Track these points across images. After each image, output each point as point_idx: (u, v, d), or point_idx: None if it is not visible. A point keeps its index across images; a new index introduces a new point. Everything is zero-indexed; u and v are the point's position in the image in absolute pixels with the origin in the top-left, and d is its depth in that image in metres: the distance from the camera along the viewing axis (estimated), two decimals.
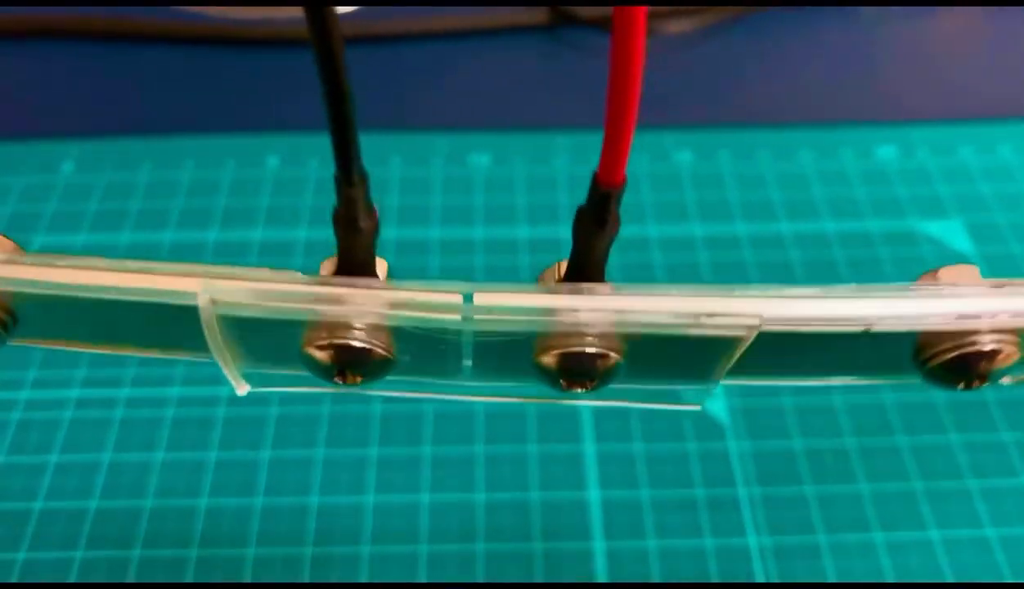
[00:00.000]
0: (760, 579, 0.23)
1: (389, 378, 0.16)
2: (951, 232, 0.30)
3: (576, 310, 0.15)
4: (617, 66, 0.12)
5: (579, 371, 0.15)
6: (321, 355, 0.15)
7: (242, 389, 0.17)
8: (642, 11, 0.12)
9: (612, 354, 0.15)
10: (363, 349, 0.15)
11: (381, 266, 0.16)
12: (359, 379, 0.16)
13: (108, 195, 0.34)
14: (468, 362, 0.16)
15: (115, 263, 0.15)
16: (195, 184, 0.34)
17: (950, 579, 0.23)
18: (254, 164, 0.35)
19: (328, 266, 0.16)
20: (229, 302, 0.14)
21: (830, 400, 0.26)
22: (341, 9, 0.37)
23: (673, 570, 0.23)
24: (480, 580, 0.23)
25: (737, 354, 0.15)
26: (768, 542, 0.24)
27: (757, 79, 0.35)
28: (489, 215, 0.33)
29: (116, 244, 0.32)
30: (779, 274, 0.29)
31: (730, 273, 0.29)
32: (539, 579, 0.23)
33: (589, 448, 0.25)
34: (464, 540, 0.24)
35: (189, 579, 0.23)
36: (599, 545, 0.24)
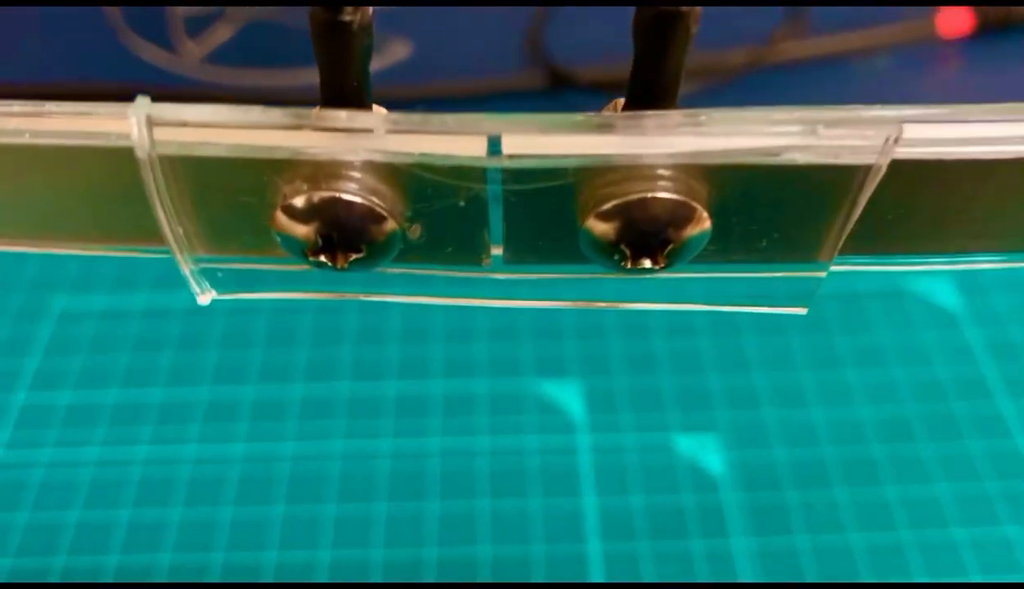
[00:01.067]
0: None
1: (394, 269, 0.12)
2: (939, 285, 0.31)
3: (640, 135, 0.11)
4: None
5: (648, 231, 0.12)
6: (300, 222, 0.11)
7: (204, 297, 0.13)
8: None
9: (693, 204, 0.11)
10: (358, 206, 0.11)
11: (379, 109, 0.12)
12: (352, 258, 0.12)
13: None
14: (497, 248, 0.13)
15: (34, 106, 0.11)
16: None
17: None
18: None
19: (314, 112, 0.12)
20: (172, 134, 0.11)
21: (821, 452, 0.26)
22: None
23: None
24: None
25: (863, 199, 0.12)
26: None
27: None
28: None
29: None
30: (772, 329, 0.30)
31: (726, 328, 0.30)
32: None
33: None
34: None
35: None
36: None
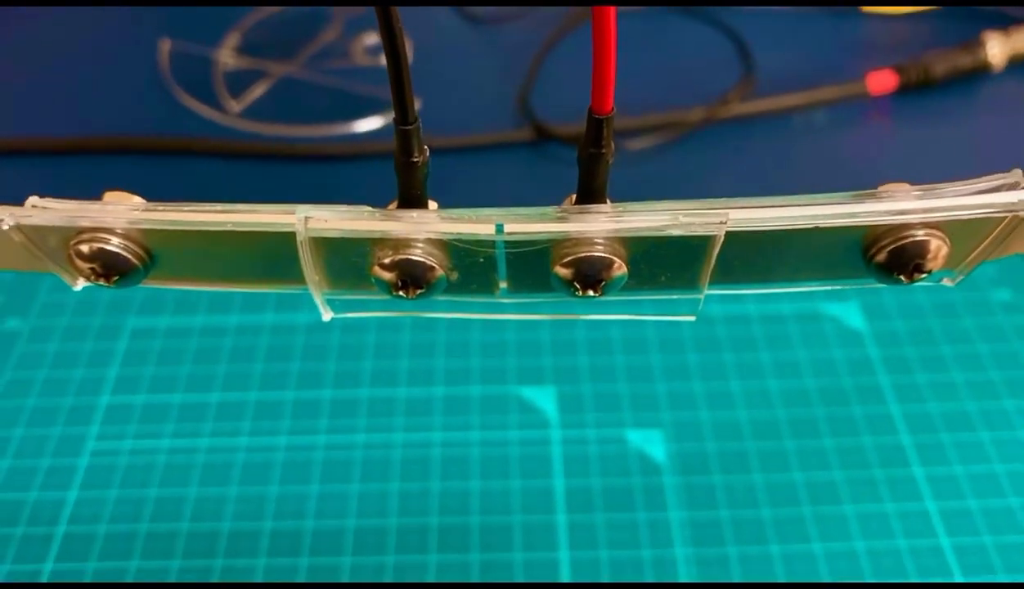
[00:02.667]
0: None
1: (440, 298, 0.19)
2: (848, 311, 0.36)
3: (583, 220, 0.18)
4: (597, 21, 0.16)
5: (589, 274, 0.18)
6: (388, 270, 0.18)
7: (327, 315, 0.20)
8: None
9: (615, 258, 0.18)
10: (421, 263, 0.18)
11: (432, 204, 0.19)
12: (418, 292, 0.19)
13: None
14: (503, 283, 0.20)
15: (228, 206, 0.19)
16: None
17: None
18: None
19: (390, 206, 0.19)
20: (318, 224, 0.18)
21: (744, 445, 0.32)
22: (368, 126, 0.45)
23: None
24: None
25: (714, 254, 0.18)
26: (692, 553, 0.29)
27: (704, 185, 0.42)
28: None
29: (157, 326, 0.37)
30: (709, 346, 0.35)
31: (672, 346, 0.36)
32: None
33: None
34: None
35: None
36: None
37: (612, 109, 0.18)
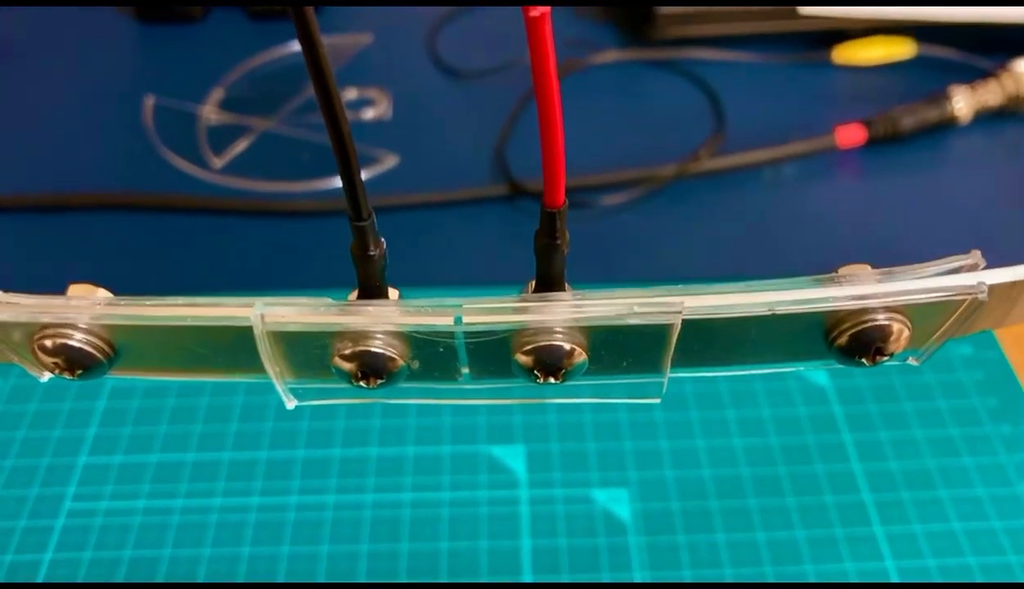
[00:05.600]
0: None
1: (404, 385, 0.20)
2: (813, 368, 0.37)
3: (541, 310, 0.18)
4: (544, 121, 0.16)
5: (549, 362, 0.19)
6: (348, 361, 0.19)
7: (290, 403, 0.21)
8: (546, 33, 0.15)
9: (575, 346, 0.18)
10: (380, 354, 0.18)
11: (393, 292, 0.20)
12: (378, 382, 0.19)
13: None
14: (465, 369, 0.20)
15: (188, 299, 0.19)
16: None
17: None
18: None
19: (350, 296, 0.19)
20: (275, 319, 0.18)
21: (707, 504, 0.33)
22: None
23: None
24: None
25: (672, 341, 0.19)
26: None
27: (676, 238, 0.42)
28: None
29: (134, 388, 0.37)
30: (675, 404, 0.35)
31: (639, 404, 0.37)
32: None
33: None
34: None
35: None
36: None
37: (564, 202, 0.18)
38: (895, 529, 0.32)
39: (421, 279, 0.40)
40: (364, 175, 0.45)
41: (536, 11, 0.14)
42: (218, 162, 0.46)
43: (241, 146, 0.47)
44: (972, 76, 0.47)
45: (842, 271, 0.19)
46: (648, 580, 0.31)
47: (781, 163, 0.45)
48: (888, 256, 0.40)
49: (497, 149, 0.46)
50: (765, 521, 0.32)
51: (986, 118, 0.47)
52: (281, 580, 0.31)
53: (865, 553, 0.31)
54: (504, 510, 0.33)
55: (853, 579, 0.31)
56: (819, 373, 0.37)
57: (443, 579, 0.31)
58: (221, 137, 0.48)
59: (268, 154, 0.47)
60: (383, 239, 0.19)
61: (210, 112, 0.49)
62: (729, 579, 0.31)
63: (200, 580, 0.31)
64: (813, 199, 0.45)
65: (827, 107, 0.49)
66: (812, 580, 0.31)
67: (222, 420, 0.36)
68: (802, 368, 0.21)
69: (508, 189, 0.44)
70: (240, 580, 0.31)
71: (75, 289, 0.20)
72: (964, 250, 0.20)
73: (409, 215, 0.42)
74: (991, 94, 0.46)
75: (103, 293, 0.20)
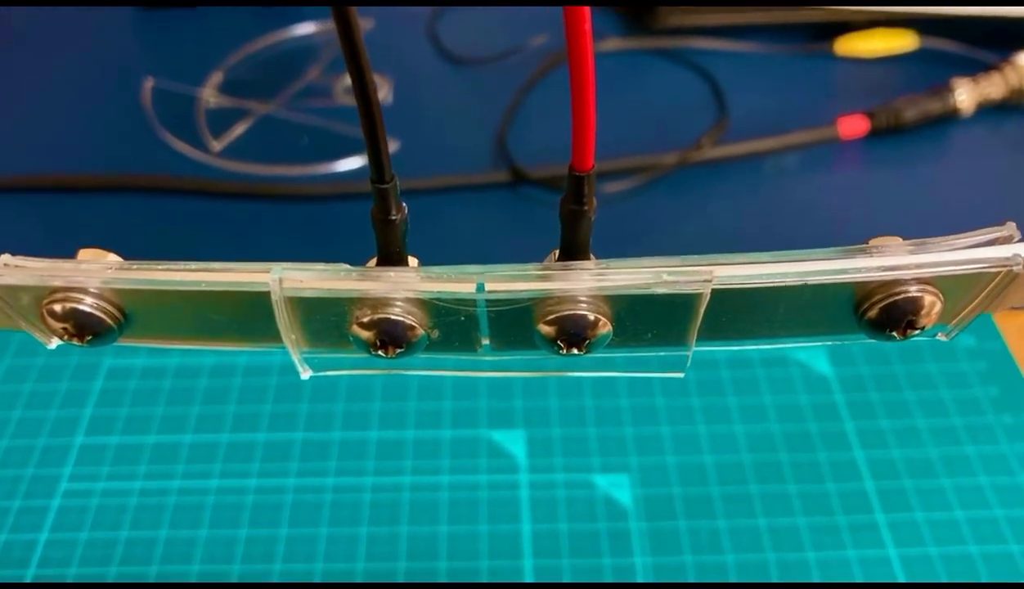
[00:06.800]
0: None
1: (423, 356, 0.19)
2: (815, 356, 0.37)
3: (565, 277, 0.18)
4: (575, 75, 0.15)
5: (573, 332, 0.18)
6: (367, 329, 0.18)
7: (305, 373, 0.20)
8: (586, 17, 0.14)
9: (599, 316, 0.18)
10: (400, 322, 0.18)
11: (412, 260, 0.19)
12: (397, 351, 0.18)
13: None
14: (485, 340, 0.19)
15: (202, 265, 0.18)
16: None
17: None
18: None
19: (369, 262, 0.19)
20: (293, 284, 0.18)
21: (709, 491, 0.32)
22: (349, 166, 0.45)
23: None
24: None
25: (700, 311, 0.18)
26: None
27: (676, 226, 0.42)
28: None
29: (133, 366, 0.37)
30: (677, 391, 0.35)
31: (641, 389, 0.36)
32: None
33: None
34: None
35: None
36: None
37: (593, 166, 0.17)
38: (897, 517, 0.32)
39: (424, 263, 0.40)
40: (361, 161, 0.45)
41: None
42: (217, 145, 0.46)
43: (240, 129, 0.47)
44: (975, 69, 0.47)
45: (872, 242, 0.19)
46: (649, 564, 0.31)
47: (783, 153, 0.45)
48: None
49: (499, 135, 0.46)
50: (767, 507, 0.32)
51: (989, 111, 0.46)
52: (279, 563, 0.31)
53: (867, 541, 0.31)
54: (504, 494, 0.33)
55: (855, 567, 0.30)
56: (821, 361, 0.37)
57: (443, 563, 0.31)
58: (220, 120, 0.47)
59: (267, 138, 0.47)
60: (405, 204, 0.18)
61: (209, 95, 0.48)
62: (731, 565, 0.31)
63: (196, 562, 0.31)
64: (815, 189, 0.44)
65: (830, 98, 0.49)
66: (814, 567, 0.30)
67: (220, 401, 0.35)
68: (830, 342, 0.21)
69: (509, 175, 0.43)
70: (237, 563, 0.31)
71: (85, 253, 0.19)
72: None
73: (409, 200, 0.42)
74: (994, 87, 0.46)
75: (113, 257, 0.20)
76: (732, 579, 0.30)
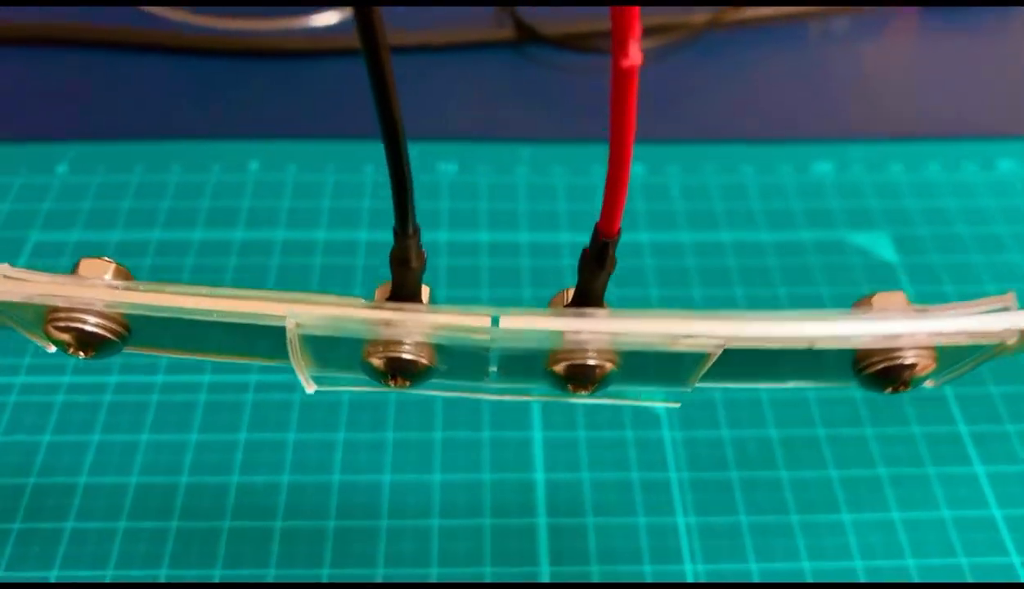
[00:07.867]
0: (686, 555, 0.27)
1: (430, 381, 0.20)
2: (878, 243, 0.35)
3: (580, 331, 0.18)
4: (615, 138, 0.15)
5: (583, 378, 0.19)
6: (377, 364, 0.19)
7: (311, 388, 0.20)
8: (633, 87, 0.14)
9: (609, 365, 0.19)
10: (410, 360, 0.19)
11: (425, 292, 0.19)
12: (407, 383, 0.19)
13: (100, 195, 0.37)
14: (494, 369, 0.20)
15: (212, 290, 0.18)
16: (182, 187, 0.38)
17: (859, 558, 0.27)
18: (237, 168, 0.38)
19: (382, 292, 0.19)
20: (309, 325, 0.18)
21: (757, 394, 0.31)
22: (325, 20, 0.40)
23: (608, 545, 0.27)
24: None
25: (707, 365, 0.19)
26: (694, 522, 0.28)
27: (706, 97, 0.39)
28: (453, 220, 0.36)
29: (108, 241, 0.36)
30: (718, 278, 0.34)
31: (672, 277, 0.34)
32: (490, 549, 0.28)
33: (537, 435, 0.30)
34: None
35: (221, 549, 0.28)
36: (542, 521, 0.28)
37: (619, 231, 0.17)
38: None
39: (415, 131, 0.36)
40: (340, 16, 0.40)
41: (627, 61, 0.13)
42: None
43: None
44: None
45: (876, 303, 0.20)
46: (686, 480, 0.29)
47: (831, 17, 0.41)
48: (935, 124, 0.36)
49: None
50: (825, 417, 0.30)
51: None
52: (287, 473, 0.29)
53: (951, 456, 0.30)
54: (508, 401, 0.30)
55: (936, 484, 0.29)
56: None
57: (436, 473, 0.29)
58: None
59: None
60: (424, 250, 0.18)
61: None
62: (785, 480, 0.29)
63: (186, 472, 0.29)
64: (863, 60, 0.41)
65: None
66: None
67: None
68: (823, 385, 0.22)
69: (514, 32, 0.39)
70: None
71: (86, 265, 0.19)
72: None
73: (399, 60, 0.37)
74: None
75: (115, 267, 0.19)
76: (788, 497, 0.29)
